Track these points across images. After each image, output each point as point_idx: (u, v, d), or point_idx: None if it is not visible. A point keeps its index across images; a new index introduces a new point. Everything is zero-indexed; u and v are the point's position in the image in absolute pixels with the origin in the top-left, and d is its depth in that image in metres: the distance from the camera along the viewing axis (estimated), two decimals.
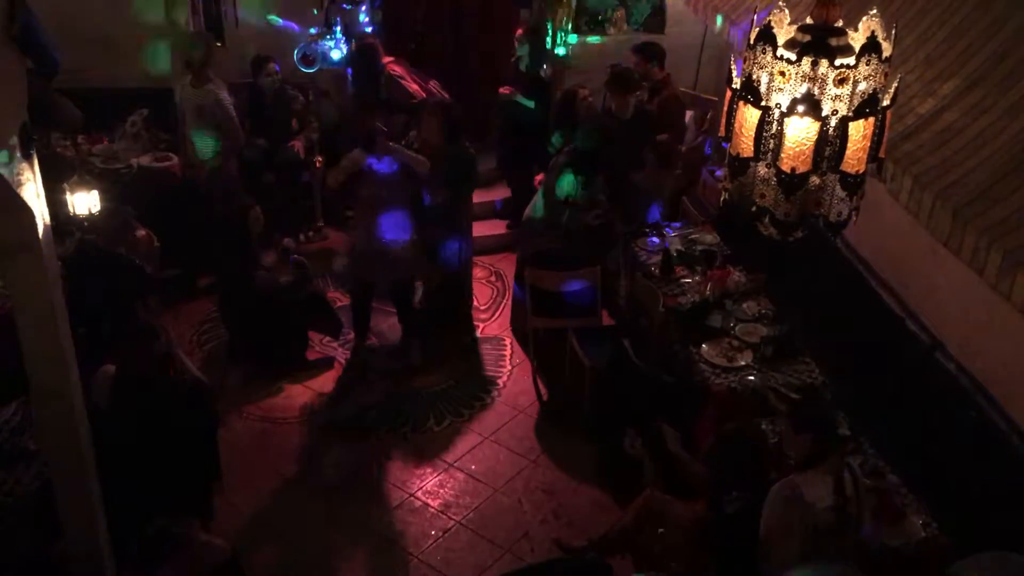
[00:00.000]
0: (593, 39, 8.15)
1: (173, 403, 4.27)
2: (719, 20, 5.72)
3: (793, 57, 2.43)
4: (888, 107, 2.54)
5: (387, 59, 7.51)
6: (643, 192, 6.73)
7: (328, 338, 6.36)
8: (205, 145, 6.79)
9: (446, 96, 7.23)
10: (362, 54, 7.56)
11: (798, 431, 3.60)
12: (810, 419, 3.63)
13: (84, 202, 5.51)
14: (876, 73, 2.44)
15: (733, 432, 3.97)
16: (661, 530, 4.02)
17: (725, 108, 2.71)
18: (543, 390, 6.06)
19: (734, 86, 2.64)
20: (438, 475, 5.31)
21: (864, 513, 3.55)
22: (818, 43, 2.44)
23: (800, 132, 2.48)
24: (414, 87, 7.40)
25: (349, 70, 7.79)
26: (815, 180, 2.58)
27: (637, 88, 6.65)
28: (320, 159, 7.57)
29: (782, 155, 2.53)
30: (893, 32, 2.50)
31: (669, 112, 6.92)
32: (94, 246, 5.38)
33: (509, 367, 6.28)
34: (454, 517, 5.01)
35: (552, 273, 5.94)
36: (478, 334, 6.63)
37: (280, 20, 7.98)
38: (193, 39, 7.06)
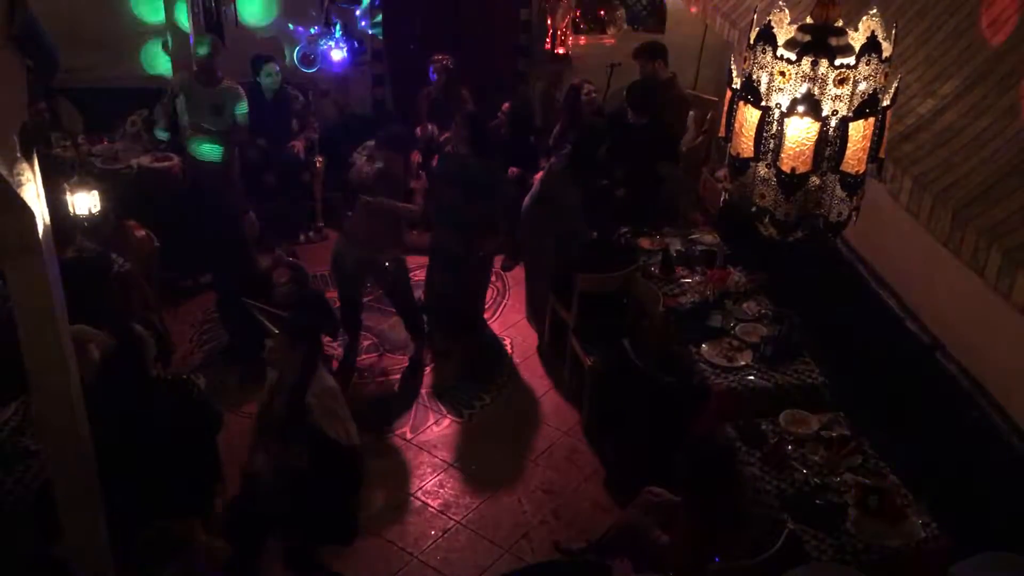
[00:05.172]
0: (593, 38, 8.18)
1: (158, 404, 4.26)
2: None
3: (793, 57, 2.44)
4: (888, 107, 2.54)
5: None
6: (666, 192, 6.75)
7: (327, 338, 6.35)
8: (214, 144, 6.77)
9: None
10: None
11: (294, 346, 3.99)
12: (304, 329, 4.00)
13: (84, 202, 5.49)
14: (876, 73, 2.44)
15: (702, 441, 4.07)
16: (660, 530, 4.02)
17: (725, 108, 2.72)
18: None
19: (734, 86, 2.64)
20: (438, 475, 5.31)
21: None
22: (818, 43, 2.44)
23: (800, 132, 2.48)
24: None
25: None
26: (815, 180, 2.59)
27: (655, 110, 6.58)
28: (320, 159, 7.57)
29: (782, 155, 2.53)
30: (893, 32, 2.50)
31: (676, 113, 6.93)
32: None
33: (509, 368, 6.28)
34: (454, 517, 5.01)
35: (603, 276, 5.77)
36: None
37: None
38: (200, 38, 7.05)
